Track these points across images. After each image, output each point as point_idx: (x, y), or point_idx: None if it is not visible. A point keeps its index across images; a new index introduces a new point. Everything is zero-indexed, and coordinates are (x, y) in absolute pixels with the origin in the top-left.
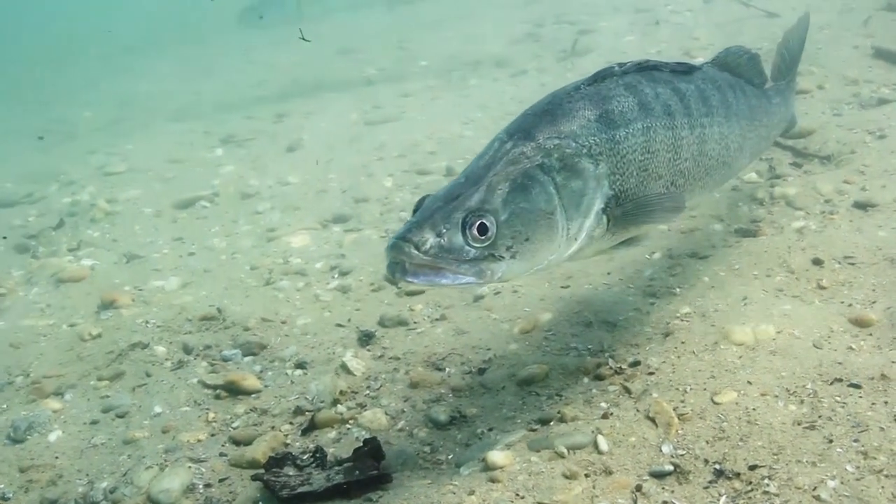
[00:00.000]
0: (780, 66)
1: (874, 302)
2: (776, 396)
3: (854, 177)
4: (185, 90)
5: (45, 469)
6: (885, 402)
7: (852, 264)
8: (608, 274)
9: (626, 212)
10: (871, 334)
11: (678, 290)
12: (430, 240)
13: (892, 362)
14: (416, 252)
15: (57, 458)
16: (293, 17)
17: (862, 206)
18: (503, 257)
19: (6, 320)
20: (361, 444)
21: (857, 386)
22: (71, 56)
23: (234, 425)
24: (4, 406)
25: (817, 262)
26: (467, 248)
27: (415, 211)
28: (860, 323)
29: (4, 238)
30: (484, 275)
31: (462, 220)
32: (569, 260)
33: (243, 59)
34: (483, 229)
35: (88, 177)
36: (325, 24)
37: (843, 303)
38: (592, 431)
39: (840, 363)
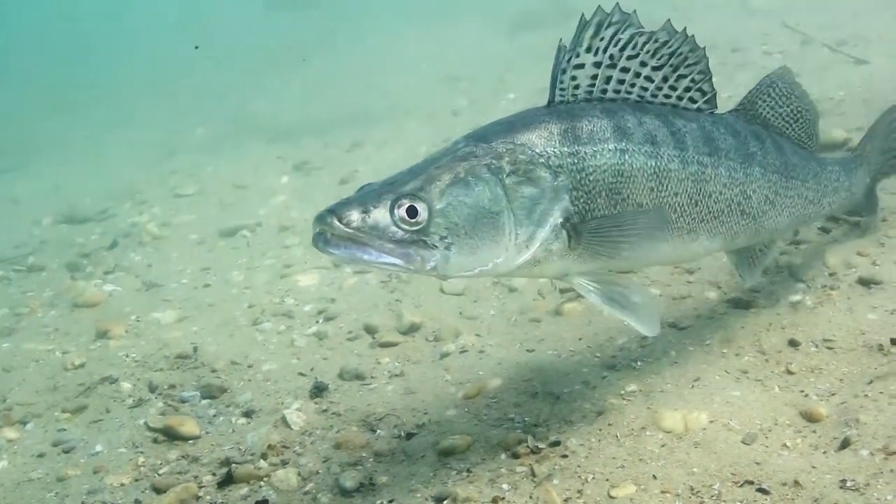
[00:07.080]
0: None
1: (833, 394)
2: (677, 495)
3: (870, 248)
4: (293, 109)
5: None
6: None
7: (830, 349)
8: (579, 340)
9: (593, 229)
10: (814, 431)
11: (639, 363)
12: (354, 214)
13: (813, 467)
14: (338, 224)
15: None
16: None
17: (866, 282)
18: (436, 246)
19: (13, 342)
20: None
21: (764, 491)
22: (215, 69)
23: (161, 472)
24: None
25: (793, 343)
26: (394, 228)
27: None
28: (809, 417)
29: None
30: (412, 259)
31: (391, 201)
32: (526, 272)
33: (362, 81)
34: (412, 212)
35: (159, 197)
36: (450, 48)
37: (801, 392)
38: None
39: (758, 463)
